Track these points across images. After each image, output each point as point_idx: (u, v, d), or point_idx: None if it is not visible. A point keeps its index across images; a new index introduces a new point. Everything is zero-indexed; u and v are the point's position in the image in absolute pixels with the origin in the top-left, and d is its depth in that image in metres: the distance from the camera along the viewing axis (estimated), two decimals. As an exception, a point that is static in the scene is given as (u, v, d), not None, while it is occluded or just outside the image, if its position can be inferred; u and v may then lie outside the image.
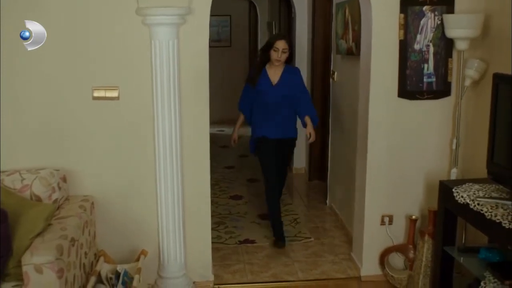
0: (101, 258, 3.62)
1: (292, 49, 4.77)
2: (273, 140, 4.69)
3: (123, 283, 3.40)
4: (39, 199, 3.42)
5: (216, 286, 4.02)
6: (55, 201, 3.47)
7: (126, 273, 3.47)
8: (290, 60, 4.72)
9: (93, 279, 3.36)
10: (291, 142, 4.88)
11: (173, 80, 3.59)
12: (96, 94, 3.64)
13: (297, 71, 4.83)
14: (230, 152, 7.95)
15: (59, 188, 3.53)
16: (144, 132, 3.73)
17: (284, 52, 4.55)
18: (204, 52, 3.72)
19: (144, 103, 3.67)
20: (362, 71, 4.10)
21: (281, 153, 4.78)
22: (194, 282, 3.97)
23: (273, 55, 4.56)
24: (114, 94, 3.65)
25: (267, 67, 4.69)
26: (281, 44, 4.54)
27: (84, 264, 3.41)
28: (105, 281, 3.45)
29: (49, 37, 3.52)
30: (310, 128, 4.66)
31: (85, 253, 3.45)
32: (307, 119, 4.67)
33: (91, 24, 3.60)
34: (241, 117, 4.95)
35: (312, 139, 4.70)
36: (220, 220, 5.29)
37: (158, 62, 3.55)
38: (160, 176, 3.72)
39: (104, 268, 3.54)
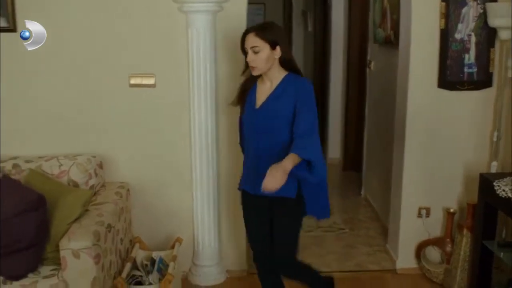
0: (137, 245, 3.65)
1: (284, 47, 2.86)
2: (255, 197, 3.00)
3: (159, 270, 3.42)
4: (76, 185, 3.45)
5: (250, 275, 4.01)
6: (92, 187, 3.50)
7: (161, 260, 3.49)
8: (286, 65, 2.90)
9: (128, 265, 3.38)
10: (283, 202, 2.93)
11: (209, 68, 3.57)
12: (133, 81, 3.65)
13: (302, 83, 2.87)
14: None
15: (96, 175, 3.56)
16: (180, 119, 3.73)
17: (256, 52, 2.81)
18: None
19: (180, 91, 3.67)
20: (400, 61, 4.02)
21: (270, 215, 3.03)
22: (227, 271, 3.98)
23: (247, 59, 2.89)
24: (151, 81, 3.65)
25: (259, 81, 2.99)
26: (248, 40, 2.83)
27: (119, 250, 3.44)
28: (140, 268, 3.47)
29: (86, 25, 3.58)
30: (277, 169, 2.65)
31: (121, 240, 3.48)
32: (291, 156, 2.71)
33: (128, 11, 3.61)
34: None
35: (266, 187, 2.64)
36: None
37: (194, 50, 3.54)
38: (196, 164, 3.71)
39: (139, 255, 3.57)
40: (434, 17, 3.69)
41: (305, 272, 3.18)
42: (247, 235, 3.29)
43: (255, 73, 2.88)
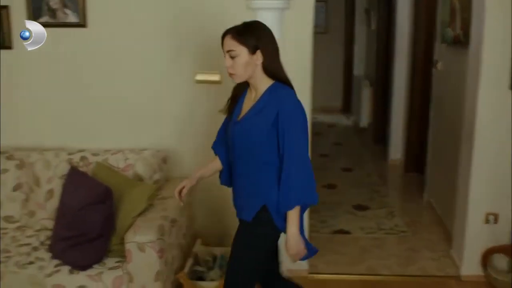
0: (198, 240, 3.67)
1: (266, 52, 2.49)
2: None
3: (220, 266, 3.43)
4: (141, 179, 3.49)
5: (311, 275, 3.97)
6: (156, 181, 3.54)
7: (222, 256, 3.50)
8: (271, 73, 2.52)
9: (190, 261, 3.41)
10: (242, 227, 2.69)
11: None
12: (199, 77, 3.67)
13: (285, 97, 2.49)
14: (323, 139, 7.85)
15: (160, 169, 3.59)
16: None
17: (233, 57, 2.47)
18: (308, 39, 3.66)
19: (245, 88, 3.66)
20: (470, 61, 3.89)
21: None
22: (287, 270, 3.95)
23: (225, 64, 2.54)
24: (216, 78, 3.65)
25: (248, 90, 2.64)
26: (225, 43, 2.50)
27: (182, 245, 3.47)
28: (201, 263, 3.49)
29: (154, 20, 3.61)
30: (292, 245, 2.50)
31: (183, 235, 3.50)
32: (293, 216, 2.49)
33: (195, 8, 3.62)
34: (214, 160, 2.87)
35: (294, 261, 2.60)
36: (313, 209, 5.22)
37: (260, 48, 3.52)
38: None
39: (200, 250, 3.59)
40: (508, 16, 3.55)
41: None
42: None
43: (236, 80, 2.56)
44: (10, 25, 3.70)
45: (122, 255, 3.13)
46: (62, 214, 3.25)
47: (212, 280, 3.35)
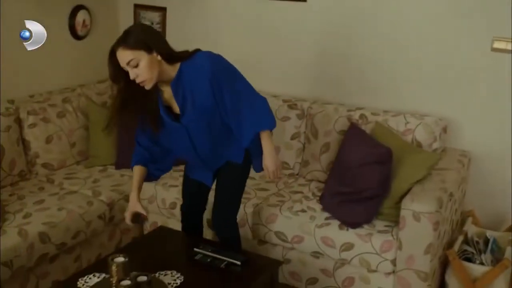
0: (469, 219, 3.45)
1: (158, 46, 2.49)
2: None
3: (491, 251, 3.18)
4: (419, 146, 3.37)
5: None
6: (435, 150, 3.38)
7: (495, 241, 3.24)
8: (172, 59, 2.55)
9: (460, 239, 3.22)
10: (229, 166, 2.92)
11: None
12: (496, 45, 3.36)
13: (202, 71, 2.55)
14: None
15: (440, 138, 3.42)
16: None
17: (135, 66, 2.44)
18: None
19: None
20: None
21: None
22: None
23: (131, 79, 2.49)
24: (516, 46, 3.32)
25: (162, 96, 2.67)
26: (121, 58, 2.45)
27: (453, 220, 3.29)
28: (470, 243, 3.28)
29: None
30: (272, 160, 2.82)
31: (455, 210, 3.31)
32: (262, 134, 2.77)
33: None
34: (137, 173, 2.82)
35: (272, 177, 2.87)
36: None
37: None
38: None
39: (471, 230, 3.37)
40: None
41: (237, 235, 3.08)
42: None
43: (148, 86, 2.49)
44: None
45: (392, 220, 3.08)
46: (338, 169, 3.28)
47: (481, 264, 3.13)
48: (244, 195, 3.22)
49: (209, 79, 2.53)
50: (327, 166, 3.55)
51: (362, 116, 3.53)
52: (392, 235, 2.98)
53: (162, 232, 3.14)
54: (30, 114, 3.68)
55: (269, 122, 2.74)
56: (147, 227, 3.70)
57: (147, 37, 2.51)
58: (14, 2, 3.63)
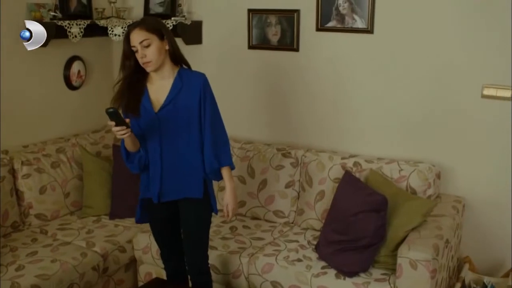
0: (466, 265, 3.44)
1: (169, 38, 2.77)
2: (161, 205, 2.94)
3: (489, 297, 3.17)
4: (414, 192, 3.38)
5: None
6: (429, 197, 3.39)
7: (492, 287, 3.23)
8: (176, 57, 2.82)
9: (458, 286, 3.20)
10: (191, 204, 2.96)
11: None
12: (486, 92, 3.41)
13: (198, 80, 2.81)
14: None
15: (434, 185, 3.43)
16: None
17: (146, 46, 2.68)
18: None
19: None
20: None
21: (176, 220, 3.05)
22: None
23: (138, 59, 2.73)
24: (507, 94, 3.36)
25: (148, 84, 2.84)
26: (135, 37, 2.69)
27: (449, 267, 3.27)
28: (468, 290, 3.26)
29: (440, 27, 3.44)
30: (231, 198, 2.93)
31: (452, 257, 3.30)
32: (224, 171, 2.89)
33: (482, 17, 3.37)
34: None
35: (229, 215, 2.96)
36: None
37: None
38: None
39: (468, 276, 3.35)
40: None
41: (210, 283, 3.11)
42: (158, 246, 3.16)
43: (149, 69, 2.74)
44: (299, 27, 3.85)
45: (389, 268, 3.06)
46: (333, 218, 3.27)
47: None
48: (239, 245, 3.21)
49: (201, 87, 2.79)
50: (322, 214, 3.54)
51: (356, 163, 3.55)
52: (390, 284, 2.96)
53: (157, 283, 3.11)
54: (24, 164, 3.67)
55: (231, 160, 2.91)
56: (142, 278, 3.65)
57: (163, 27, 2.79)
58: (10, 52, 3.67)
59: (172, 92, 2.79)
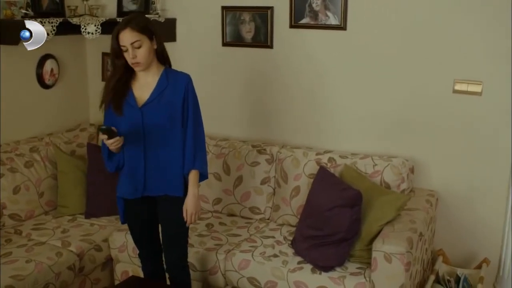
0: (440, 258, 3.49)
1: (158, 37, 2.79)
2: (137, 201, 2.97)
3: (462, 289, 3.22)
4: (387, 187, 3.42)
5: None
6: (403, 191, 3.43)
7: (466, 279, 3.29)
8: (163, 59, 2.88)
9: (432, 278, 3.25)
10: (171, 202, 2.96)
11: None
12: (457, 87, 3.47)
13: (183, 79, 2.84)
14: None
15: (407, 179, 3.47)
16: (500, 132, 3.43)
17: (137, 47, 2.68)
18: None
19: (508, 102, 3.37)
20: None
21: (155, 217, 3.06)
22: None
23: (127, 58, 2.74)
24: (477, 89, 3.42)
25: (133, 80, 2.86)
26: (127, 37, 2.68)
27: (423, 260, 3.32)
28: (442, 282, 3.31)
29: (413, 24, 3.49)
30: (192, 203, 2.87)
31: (426, 250, 3.35)
32: (191, 174, 2.87)
33: (454, 12, 3.42)
34: None
35: (189, 221, 2.89)
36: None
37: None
38: (517, 182, 3.39)
39: (441, 269, 3.41)
40: None
41: (188, 281, 3.12)
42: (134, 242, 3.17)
43: (139, 69, 2.77)
44: (272, 24, 3.86)
45: (364, 262, 3.10)
46: (308, 213, 3.30)
47: (453, 302, 3.16)
48: (216, 242, 3.22)
49: (185, 86, 2.82)
50: (298, 210, 3.57)
51: (330, 159, 3.58)
52: (365, 277, 2.99)
53: (133, 281, 3.10)
54: (-4, 164, 3.64)
55: (204, 167, 2.92)
56: (118, 277, 3.64)
57: (153, 26, 2.79)
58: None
59: (157, 89, 2.81)
